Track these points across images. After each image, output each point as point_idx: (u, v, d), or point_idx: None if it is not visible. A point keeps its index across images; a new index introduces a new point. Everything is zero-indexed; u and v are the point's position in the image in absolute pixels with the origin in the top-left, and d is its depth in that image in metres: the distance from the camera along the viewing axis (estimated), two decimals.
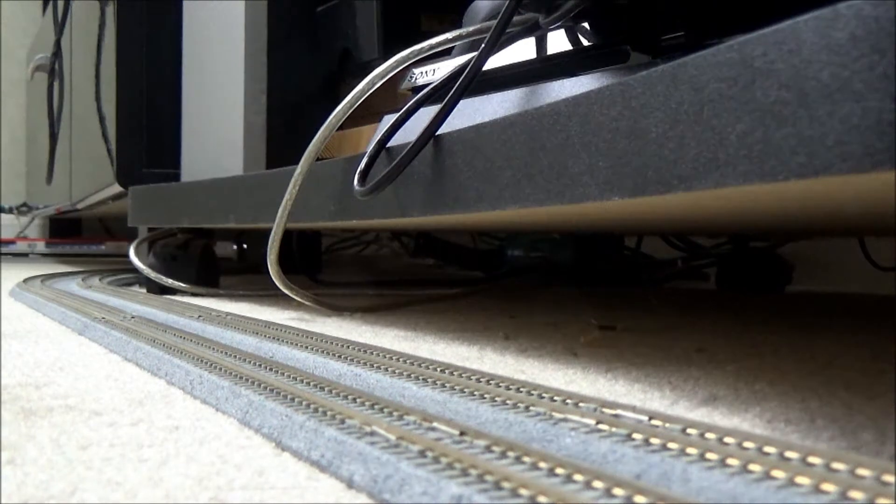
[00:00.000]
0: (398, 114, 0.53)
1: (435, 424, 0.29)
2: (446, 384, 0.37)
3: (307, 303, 0.76)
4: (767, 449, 0.24)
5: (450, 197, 0.46)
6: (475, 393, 0.35)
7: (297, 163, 0.63)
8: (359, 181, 0.53)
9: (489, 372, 0.38)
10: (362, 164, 0.53)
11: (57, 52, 1.70)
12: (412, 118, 0.53)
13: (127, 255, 1.05)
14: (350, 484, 0.26)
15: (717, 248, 1.15)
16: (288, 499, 0.25)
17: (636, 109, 0.32)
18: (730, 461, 0.24)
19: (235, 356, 0.46)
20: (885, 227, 0.61)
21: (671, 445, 0.26)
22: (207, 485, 0.26)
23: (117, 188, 1.19)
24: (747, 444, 0.25)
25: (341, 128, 0.62)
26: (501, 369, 0.45)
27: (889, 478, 0.21)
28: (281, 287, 0.72)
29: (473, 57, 0.46)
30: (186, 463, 0.29)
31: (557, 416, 0.31)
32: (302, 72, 0.93)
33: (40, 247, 2.33)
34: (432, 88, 0.53)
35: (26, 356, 0.52)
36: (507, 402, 0.33)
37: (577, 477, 0.23)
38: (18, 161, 2.58)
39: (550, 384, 0.38)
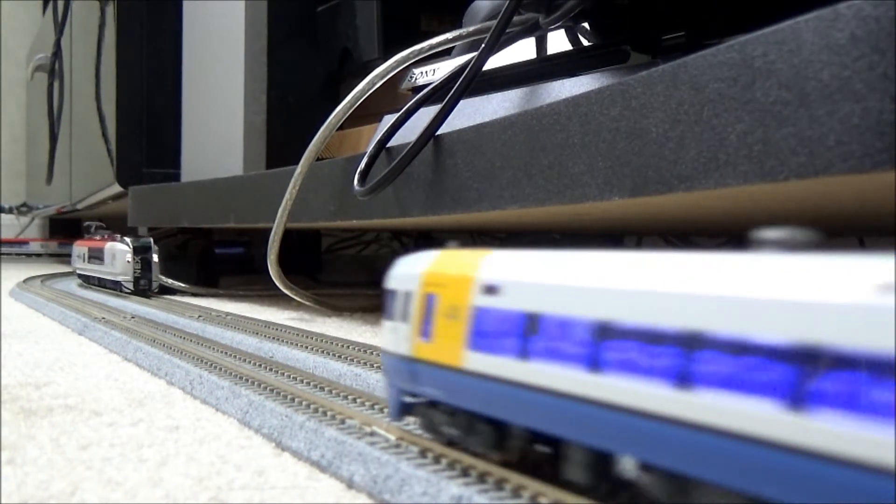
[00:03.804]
0: (398, 114, 0.53)
1: None
2: None
3: (307, 303, 0.76)
4: None
5: (450, 197, 0.46)
6: None
7: (297, 163, 0.63)
8: (359, 181, 0.53)
9: None
10: (362, 165, 0.53)
11: (57, 52, 1.70)
12: (412, 118, 0.53)
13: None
14: (350, 484, 0.26)
15: (717, 249, 1.15)
16: (288, 499, 0.25)
17: (636, 109, 0.32)
18: None
19: (235, 356, 0.46)
20: (885, 227, 0.61)
21: None
22: (207, 485, 0.26)
23: (117, 188, 1.19)
24: None
25: (341, 128, 0.62)
26: None
27: None
28: (281, 287, 0.72)
29: (473, 57, 0.46)
30: (186, 463, 0.29)
31: None
32: (302, 72, 0.93)
33: None
34: (432, 88, 0.53)
35: (26, 356, 0.52)
36: None
37: None
38: (18, 161, 2.58)
39: None
